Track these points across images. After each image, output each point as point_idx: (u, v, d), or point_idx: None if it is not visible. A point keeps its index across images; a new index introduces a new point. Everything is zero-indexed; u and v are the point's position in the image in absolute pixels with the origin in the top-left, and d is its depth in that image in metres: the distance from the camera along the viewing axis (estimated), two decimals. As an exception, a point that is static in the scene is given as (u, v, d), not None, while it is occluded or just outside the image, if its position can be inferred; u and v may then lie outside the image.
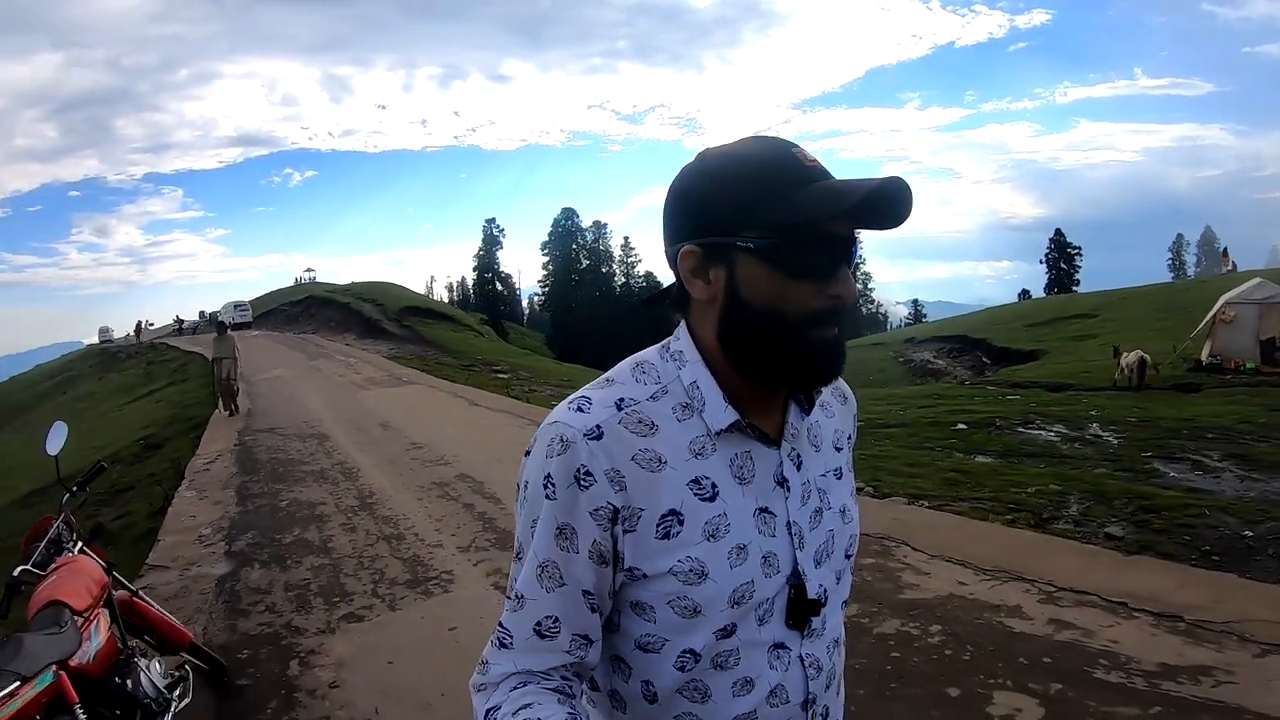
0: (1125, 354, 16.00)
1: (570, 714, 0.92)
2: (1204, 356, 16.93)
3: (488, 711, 0.96)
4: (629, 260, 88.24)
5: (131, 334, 63.12)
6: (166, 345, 45.07)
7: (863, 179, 0.93)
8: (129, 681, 2.98)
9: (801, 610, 1.03)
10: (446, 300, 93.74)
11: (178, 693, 3.26)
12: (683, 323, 1.06)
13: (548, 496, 0.98)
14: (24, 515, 9.21)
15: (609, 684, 1.09)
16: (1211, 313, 17.17)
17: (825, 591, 1.06)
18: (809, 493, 1.07)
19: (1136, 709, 3.15)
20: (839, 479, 1.13)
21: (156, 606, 3.74)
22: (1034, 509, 5.80)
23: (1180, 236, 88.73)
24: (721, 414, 1.00)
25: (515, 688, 0.97)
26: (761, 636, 1.01)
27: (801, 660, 1.04)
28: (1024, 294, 75.00)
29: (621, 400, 1.02)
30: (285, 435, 11.84)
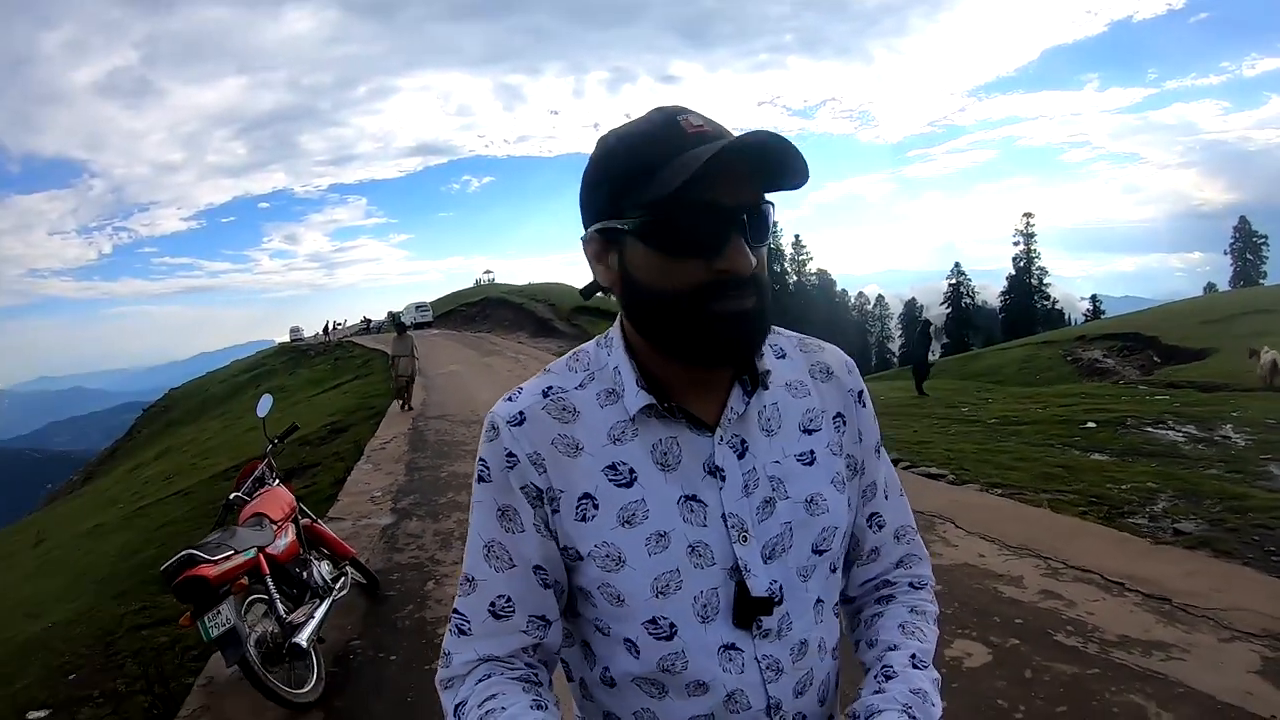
0: (1263, 353, 15.41)
1: (535, 700, 0.95)
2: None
3: (456, 707, 0.98)
4: (800, 258, 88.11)
5: (320, 333, 68.84)
6: (353, 343, 49.01)
7: (722, 139, 0.90)
8: (304, 572, 4.36)
9: (748, 608, 0.99)
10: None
11: (338, 585, 4.56)
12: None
13: (481, 479, 1.02)
14: (224, 485, 10.80)
15: (579, 672, 1.10)
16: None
17: (780, 588, 1.01)
18: (755, 481, 1.02)
19: (1076, 668, 3.59)
20: (808, 465, 1.06)
21: (328, 529, 5.10)
22: (1116, 503, 6.09)
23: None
24: (634, 397, 1.00)
25: (480, 680, 0.98)
26: (708, 638, 0.99)
27: (758, 662, 1.00)
28: (1209, 288, 69.77)
29: (549, 389, 1.04)
30: (453, 421, 13.36)
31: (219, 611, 3.45)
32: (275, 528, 4.22)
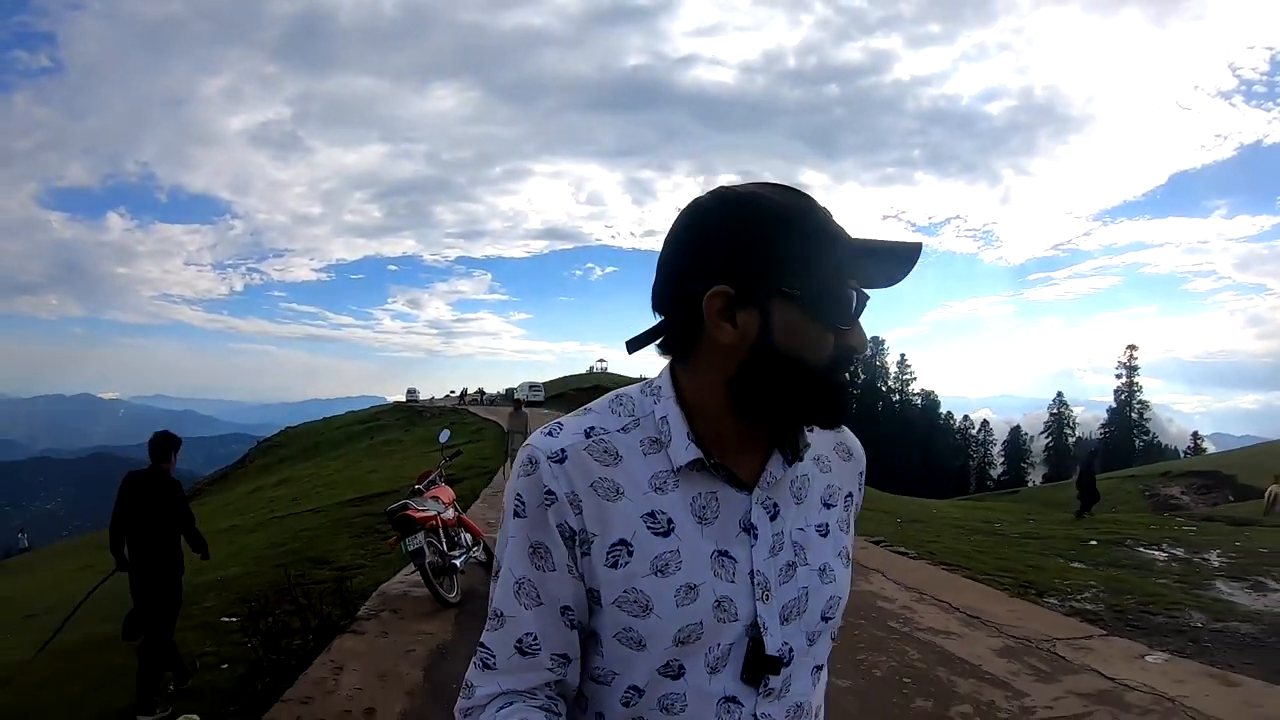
0: (1271, 486, 16.54)
1: None
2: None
3: None
4: (904, 377, 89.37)
5: (438, 397, 77.71)
6: (467, 410, 53.63)
7: (904, 241, 0.99)
8: (456, 535, 7.21)
9: (758, 665, 1.00)
10: None
11: (475, 550, 7.41)
12: (668, 362, 1.06)
13: (517, 514, 1.01)
14: (350, 510, 13.79)
15: (572, 713, 1.08)
16: None
17: (790, 650, 1.02)
18: (781, 544, 1.04)
19: (882, 634, 6.30)
20: (823, 536, 1.10)
21: (470, 519, 7.95)
22: (1041, 587, 8.10)
23: None
24: (683, 450, 1.00)
25: (501, 708, 0.99)
26: (712, 687, 1.00)
27: (755, 718, 1.01)
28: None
29: (591, 429, 1.03)
30: None
31: (416, 537, 6.28)
32: (443, 506, 7.08)
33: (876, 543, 11.12)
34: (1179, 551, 11.23)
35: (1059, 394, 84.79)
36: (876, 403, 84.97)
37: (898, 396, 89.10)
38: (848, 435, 1.21)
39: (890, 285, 1.03)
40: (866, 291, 1.01)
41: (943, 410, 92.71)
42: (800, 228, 0.98)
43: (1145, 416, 79.15)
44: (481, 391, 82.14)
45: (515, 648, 1.01)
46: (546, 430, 1.05)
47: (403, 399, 78.80)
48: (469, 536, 7.63)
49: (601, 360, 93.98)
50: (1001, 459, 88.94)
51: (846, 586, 1.13)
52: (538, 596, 1.01)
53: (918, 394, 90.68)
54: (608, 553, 0.99)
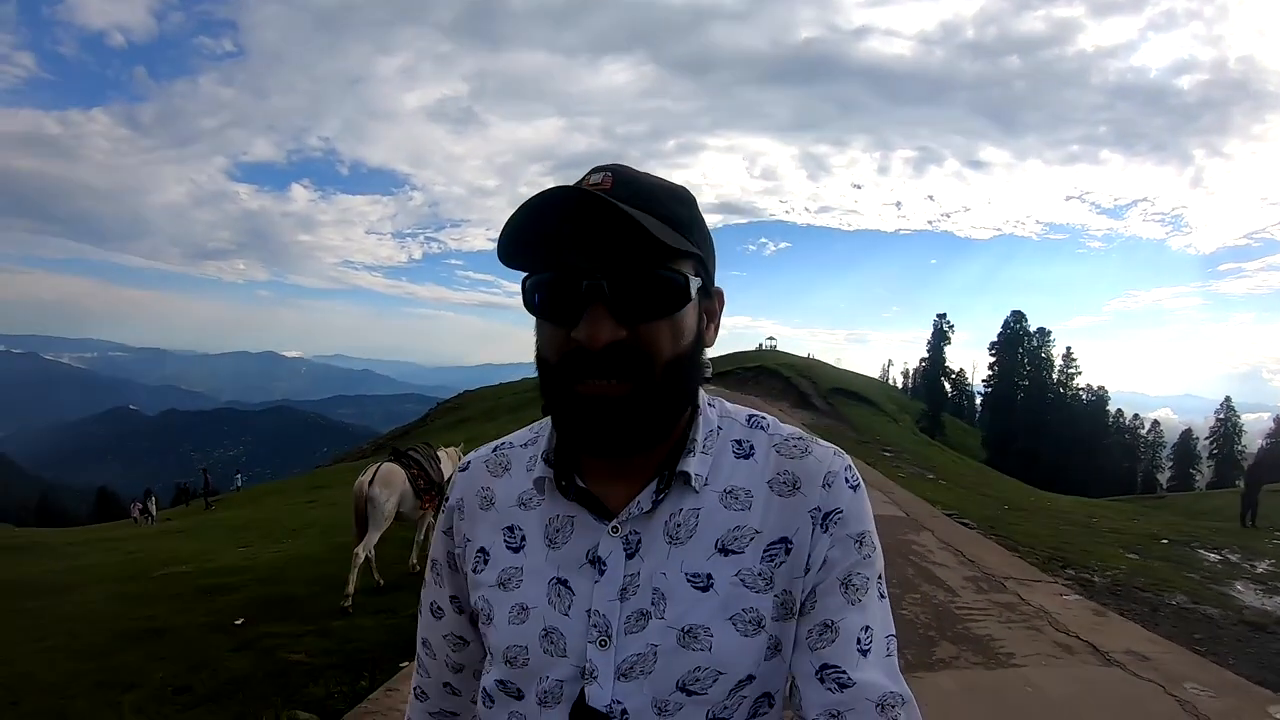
0: None
1: None
2: None
3: None
4: (1069, 370, 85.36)
5: None
6: None
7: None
8: None
9: (583, 715, 0.91)
10: (900, 386, 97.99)
11: None
12: None
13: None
14: None
15: None
16: None
17: (623, 711, 0.90)
18: (634, 588, 0.92)
19: (900, 561, 8.65)
20: (700, 590, 0.92)
21: None
22: (1068, 562, 9.89)
23: None
24: (536, 467, 0.99)
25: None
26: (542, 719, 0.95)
27: None
28: None
29: (502, 444, 1.09)
30: None
31: None
32: None
33: (949, 514, 13.19)
34: (1235, 557, 12.31)
35: (1226, 399, 79.80)
36: (1040, 397, 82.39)
37: (1059, 390, 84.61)
38: (810, 460, 0.97)
39: (609, 257, 0.85)
40: (586, 268, 0.85)
41: (1112, 408, 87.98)
42: (530, 217, 0.86)
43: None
44: None
45: (430, 611, 1.15)
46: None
47: None
48: None
49: (771, 338, 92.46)
50: (1170, 463, 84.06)
51: (741, 659, 0.91)
52: (443, 581, 1.11)
53: (1083, 389, 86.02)
54: (473, 558, 1.02)
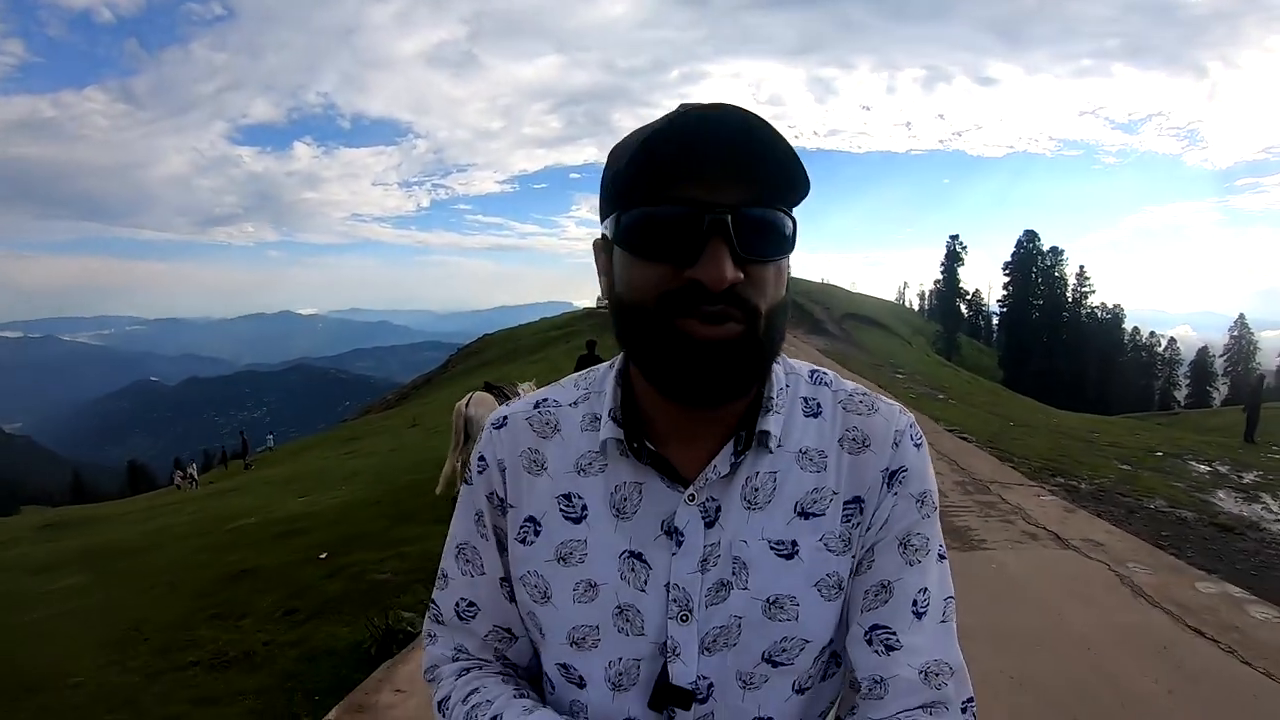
0: None
1: (517, 690, 0.94)
2: None
3: (440, 703, 0.97)
4: (1082, 289, 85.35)
5: None
6: None
7: (685, 127, 0.77)
8: None
9: (665, 695, 0.88)
10: (917, 308, 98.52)
11: None
12: None
13: (467, 481, 1.01)
14: None
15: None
16: None
17: (710, 687, 0.89)
18: (714, 558, 0.88)
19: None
20: (785, 557, 0.89)
21: None
22: (1057, 470, 10.78)
23: None
24: (604, 427, 0.92)
25: (460, 674, 0.97)
26: (614, 706, 0.91)
27: None
28: None
29: (544, 400, 0.99)
30: None
31: None
32: None
33: (952, 430, 14.11)
34: (1224, 469, 13.02)
35: (1240, 316, 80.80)
36: (1055, 316, 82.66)
37: (1072, 311, 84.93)
38: (878, 418, 0.95)
39: (781, 199, 0.81)
40: (710, 203, 0.77)
41: (1128, 326, 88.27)
42: (618, 156, 0.83)
43: None
44: None
45: (454, 610, 0.99)
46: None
47: (592, 305, 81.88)
48: None
49: None
50: (1187, 380, 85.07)
51: (825, 627, 0.90)
52: (481, 565, 0.98)
53: (1098, 307, 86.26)
54: (519, 527, 0.94)
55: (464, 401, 9.07)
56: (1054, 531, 7.46)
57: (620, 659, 0.90)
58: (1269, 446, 18.76)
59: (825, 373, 1.00)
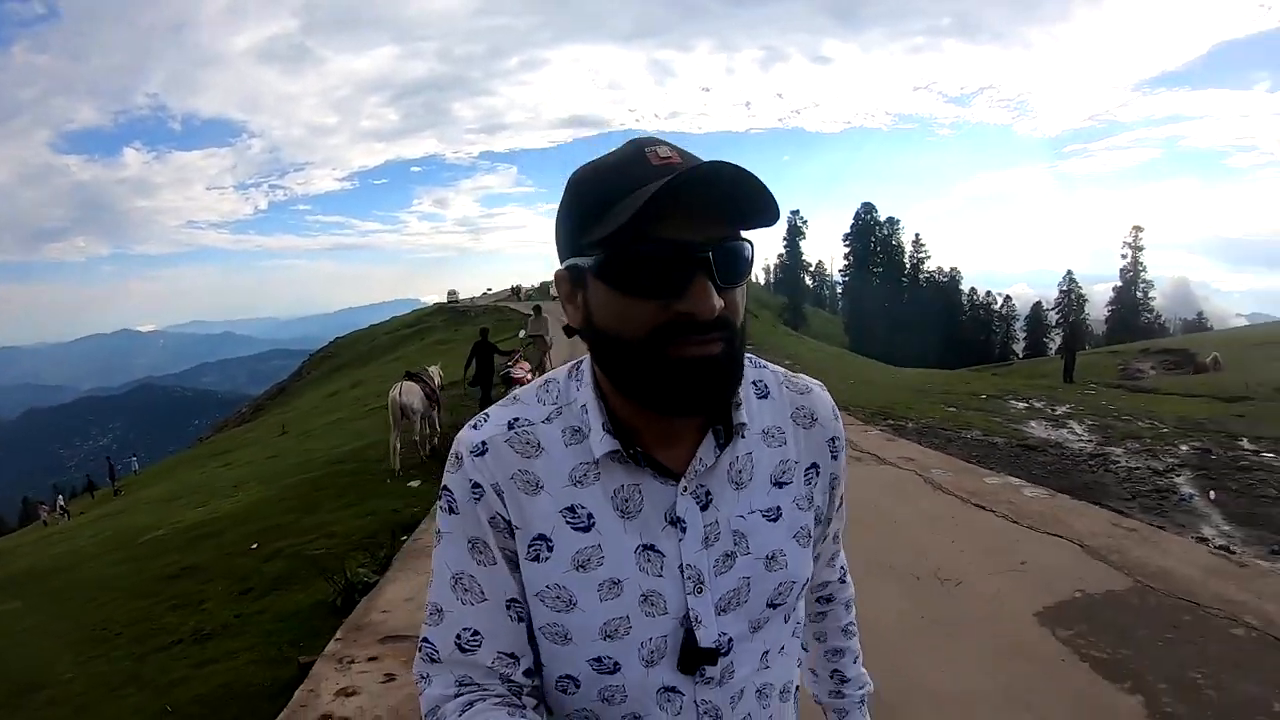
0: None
1: None
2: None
3: None
4: (919, 255, 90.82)
5: (510, 291, 76.79)
6: (508, 307, 56.79)
7: (670, 174, 0.84)
8: None
9: (693, 657, 0.98)
10: (763, 282, 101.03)
11: None
12: None
13: (451, 510, 1.01)
14: (450, 391, 16.17)
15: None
16: None
17: (729, 641, 1.00)
18: (716, 535, 1.00)
19: None
20: (772, 520, 1.04)
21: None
22: (890, 414, 12.31)
23: None
24: (600, 441, 0.98)
25: (463, 710, 0.97)
26: (650, 679, 0.99)
27: (696, 705, 1.01)
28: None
29: (515, 420, 1.02)
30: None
31: (516, 387, 11.85)
32: (525, 371, 11.84)
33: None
34: (1040, 404, 14.65)
35: (1069, 272, 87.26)
36: (895, 281, 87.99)
37: (911, 276, 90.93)
38: (815, 398, 1.12)
39: (733, 226, 0.91)
40: (695, 243, 0.87)
41: (966, 287, 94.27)
42: (594, 190, 0.90)
43: (1150, 295, 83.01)
44: (519, 287, 78.33)
45: (455, 643, 1.00)
46: (473, 423, 1.04)
47: (442, 300, 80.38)
48: None
49: None
50: (1024, 334, 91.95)
51: (804, 567, 1.07)
52: (481, 592, 0.99)
53: (935, 271, 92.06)
54: (529, 546, 0.98)
55: (396, 390, 11.05)
56: (875, 454, 9.11)
57: (650, 639, 0.98)
58: (1086, 384, 21.24)
59: (752, 356, 1.09)
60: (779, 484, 1.06)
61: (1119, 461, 9.94)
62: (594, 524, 0.98)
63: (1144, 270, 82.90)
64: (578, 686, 1.00)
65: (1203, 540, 6.34)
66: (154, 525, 12.77)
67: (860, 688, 1.33)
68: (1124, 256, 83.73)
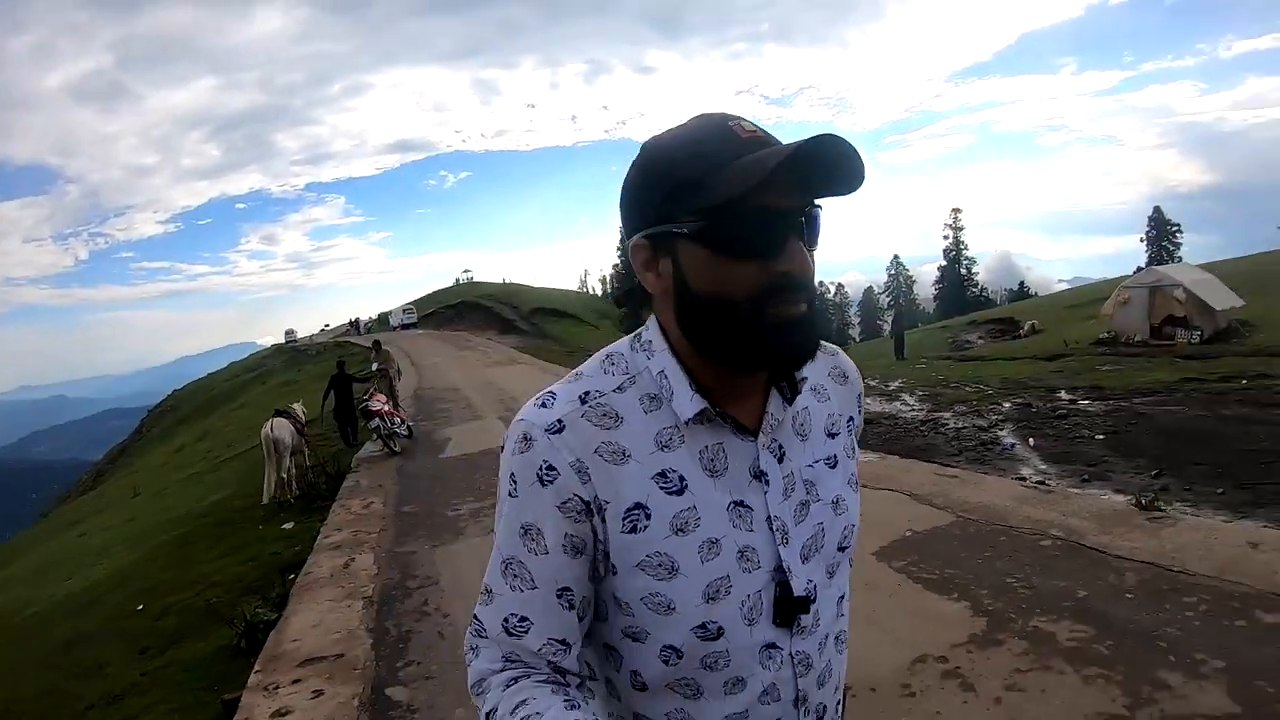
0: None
1: (567, 701, 0.93)
2: (1104, 333, 21.59)
3: (487, 715, 0.97)
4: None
5: (349, 325, 75.91)
6: (349, 342, 55.21)
7: (791, 143, 0.88)
8: (392, 419, 12.75)
9: (789, 608, 1.01)
10: (600, 292, 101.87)
11: (403, 426, 12.95)
12: (652, 314, 1.05)
13: (510, 494, 1.00)
14: (254, 452, 16.59)
15: (604, 671, 1.08)
16: (1112, 297, 21.67)
17: (815, 587, 1.05)
18: (793, 485, 1.05)
19: None
20: (832, 468, 1.11)
21: (400, 410, 13.48)
22: None
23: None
24: (688, 403, 0.99)
25: (509, 685, 0.97)
26: (753, 639, 1.01)
27: (792, 659, 1.03)
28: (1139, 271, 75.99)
29: (586, 394, 1.01)
30: (436, 390, 21.38)
31: (374, 419, 11.86)
32: (383, 404, 12.44)
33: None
34: (874, 382, 15.49)
35: (895, 256, 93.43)
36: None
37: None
38: (842, 359, 1.19)
39: (835, 194, 0.96)
40: (800, 207, 0.94)
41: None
42: (686, 159, 0.93)
43: (973, 271, 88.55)
44: (357, 321, 78.75)
45: (502, 626, 1.00)
46: (539, 401, 1.02)
47: (280, 341, 78.43)
48: (399, 419, 13.28)
49: (467, 270, 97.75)
50: (859, 319, 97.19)
51: (858, 512, 1.13)
52: (530, 579, 0.98)
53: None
54: (623, 518, 0.97)
55: (267, 426, 11.63)
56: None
57: (749, 595, 1.00)
58: (916, 360, 22.74)
59: None
60: (831, 434, 1.13)
61: (948, 424, 11.11)
62: (687, 486, 0.99)
63: (965, 248, 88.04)
64: (680, 657, 1.00)
65: (1021, 480, 7.26)
66: (28, 602, 12.11)
67: None
68: (945, 237, 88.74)
